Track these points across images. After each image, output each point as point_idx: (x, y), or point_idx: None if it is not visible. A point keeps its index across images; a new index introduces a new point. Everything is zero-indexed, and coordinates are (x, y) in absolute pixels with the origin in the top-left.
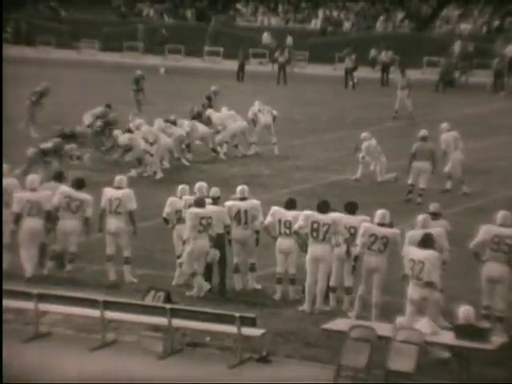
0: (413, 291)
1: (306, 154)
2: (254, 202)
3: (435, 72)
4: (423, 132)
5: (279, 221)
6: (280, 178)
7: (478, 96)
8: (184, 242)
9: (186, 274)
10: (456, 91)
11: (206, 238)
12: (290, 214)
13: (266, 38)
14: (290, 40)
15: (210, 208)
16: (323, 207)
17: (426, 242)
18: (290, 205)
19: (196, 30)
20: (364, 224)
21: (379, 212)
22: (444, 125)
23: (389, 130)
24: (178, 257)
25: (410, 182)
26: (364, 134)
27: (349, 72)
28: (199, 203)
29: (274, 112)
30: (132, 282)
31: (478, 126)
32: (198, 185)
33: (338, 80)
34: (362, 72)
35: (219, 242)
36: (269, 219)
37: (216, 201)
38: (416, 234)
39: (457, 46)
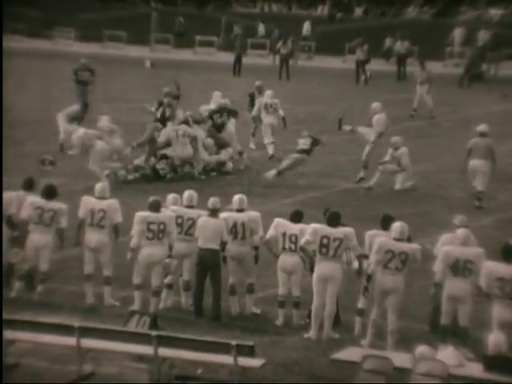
0: (507, 313)
1: (311, 158)
2: (253, 213)
3: (459, 64)
4: (483, 127)
5: (283, 235)
6: (282, 185)
7: (508, 91)
8: (131, 250)
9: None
10: (483, 86)
11: (159, 246)
12: (296, 228)
13: (261, 31)
14: (307, 27)
15: (164, 213)
16: (334, 220)
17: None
18: (297, 217)
19: (188, 18)
20: (379, 239)
21: (396, 225)
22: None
23: (406, 131)
24: (165, 276)
25: (473, 184)
26: (395, 138)
27: (360, 65)
28: (152, 206)
29: (281, 112)
30: (113, 306)
31: (509, 126)
32: (186, 193)
33: (348, 74)
34: (376, 65)
35: (214, 259)
36: (271, 232)
37: (215, 213)
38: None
39: (484, 35)
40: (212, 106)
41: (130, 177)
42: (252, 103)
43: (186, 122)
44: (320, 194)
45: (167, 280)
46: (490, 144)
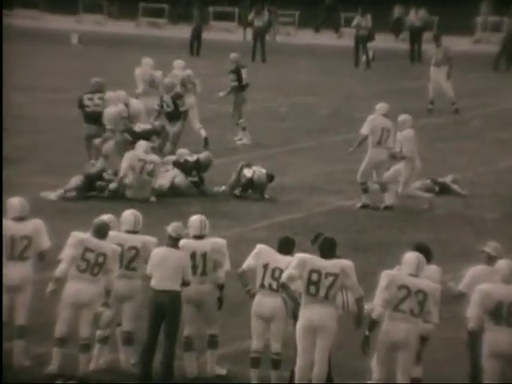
0: None
1: (295, 166)
2: (217, 241)
3: (494, 40)
4: None
5: (265, 267)
6: (255, 203)
7: None
8: (55, 281)
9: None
10: None
11: (91, 284)
12: (283, 260)
13: None
14: None
15: (108, 243)
16: (327, 249)
17: None
18: (286, 246)
19: None
20: (387, 272)
21: (411, 256)
22: None
23: (421, 130)
24: (97, 327)
25: None
26: (403, 117)
27: (361, 41)
28: (98, 230)
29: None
30: (24, 366)
31: None
32: (126, 214)
33: (344, 54)
34: (382, 41)
35: (173, 304)
36: (250, 262)
37: (176, 243)
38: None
39: None
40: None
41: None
42: (239, 80)
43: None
44: (306, 215)
45: (99, 332)
46: None
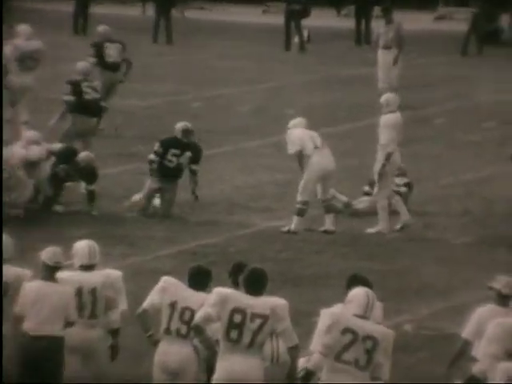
0: None
1: (210, 177)
2: (111, 273)
3: (460, 16)
4: None
5: (172, 306)
6: (158, 224)
7: None
8: None
9: None
10: (502, 52)
11: None
12: (195, 298)
13: None
14: None
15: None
16: (254, 283)
17: None
18: (200, 280)
19: None
20: (328, 311)
21: (359, 293)
22: None
23: (370, 129)
24: None
25: None
26: (386, 96)
27: (293, 18)
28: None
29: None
30: None
31: None
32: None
33: (272, 34)
34: (319, 18)
35: (53, 353)
36: (154, 298)
37: (52, 273)
38: None
39: None
40: None
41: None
42: (100, 56)
43: None
44: (224, 239)
45: None
46: None
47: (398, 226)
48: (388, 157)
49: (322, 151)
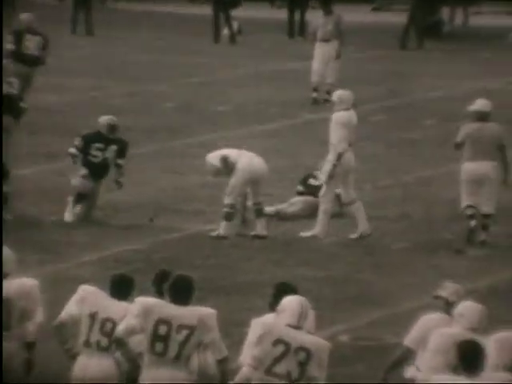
0: None
1: (134, 178)
2: (25, 282)
3: (397, 8)
4: (482, 104)
5: (92, 317)
6: (81, 229)
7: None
8: None
9: None
10: (444, 45)
11: None
12: (117, 308)
13: None
14: None
15: None
16: (180, 292)
17: None
18: (122, 288)
19: None
20: (259, 320)
21: (292, 302)
22: None
23: (304, 128)
24: None
25: (465, 203)
26: (338, 93)
27: (222, 9)
28: None
29: None
30: None
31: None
32: None
33: (200, 25)
34: (250, 8)
35: None
36: (71, 310)
37: None
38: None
39: None
40: None
41: None
42: (18, 44)
43: None
44: (149, 245)
45: None
46: (499, 132)
47: (355, 236)
48: (339, 157)
49: (251, 153)
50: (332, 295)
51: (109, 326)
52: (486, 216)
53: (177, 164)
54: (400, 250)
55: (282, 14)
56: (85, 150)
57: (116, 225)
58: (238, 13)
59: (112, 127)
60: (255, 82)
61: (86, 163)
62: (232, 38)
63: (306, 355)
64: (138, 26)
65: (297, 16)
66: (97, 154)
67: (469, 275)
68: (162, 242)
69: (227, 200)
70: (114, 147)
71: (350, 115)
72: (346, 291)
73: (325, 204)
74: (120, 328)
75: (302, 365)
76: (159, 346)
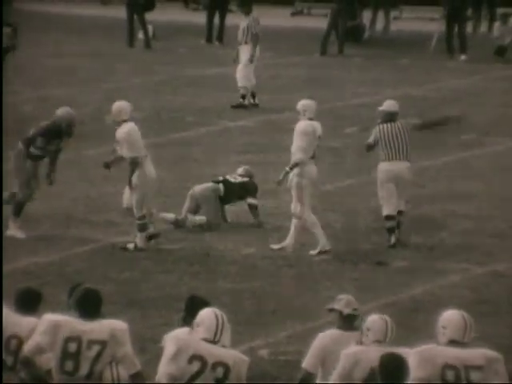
0: None
1: (43, 187)
2: None
3: (317, 12)
4: (389, 104)
5: None
6: None
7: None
8: None
9: None
10: (364, 51)
11: None
12: (23, 324)
13: None
14: None
15: None
16: (90, 306)
17: None
18: (29, 303)
19: None
20: (173, 335)
21: (209, 316)
22: None
23: (224, 136)
24: None
25: (385, 212)
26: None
27: (136, 11)
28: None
29: None
30: None
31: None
32: None
33: (113, 28)
34: (166, 11)
35: None
36: None
37: None
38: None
39: None
40: None
41: None
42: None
43: None
44: (59, 257)
45: None
46: (408, 130)
47: (315, 252)
48: (294, 166)
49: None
50: (251, 308)
51: (14, 343)
52: (399, 212)
53: (89, 173)
54: (320, 262)
55: (198, 18)
56: None
57: (26, 236)
58: (152, 16)
59: None
60: (171, 88)
61: None
62: (147, 42)
63: (223, 371)
64: (48, 29)
65: (217, 19)
66: None
67: (390, 288)
68: (74, 254)
69: (138, 213)
70: None
71: (313, 125)
72: (266, 304)
73: (308, 218)
74: (27, 347)
75: (220, 381)
76: (69, 365)
